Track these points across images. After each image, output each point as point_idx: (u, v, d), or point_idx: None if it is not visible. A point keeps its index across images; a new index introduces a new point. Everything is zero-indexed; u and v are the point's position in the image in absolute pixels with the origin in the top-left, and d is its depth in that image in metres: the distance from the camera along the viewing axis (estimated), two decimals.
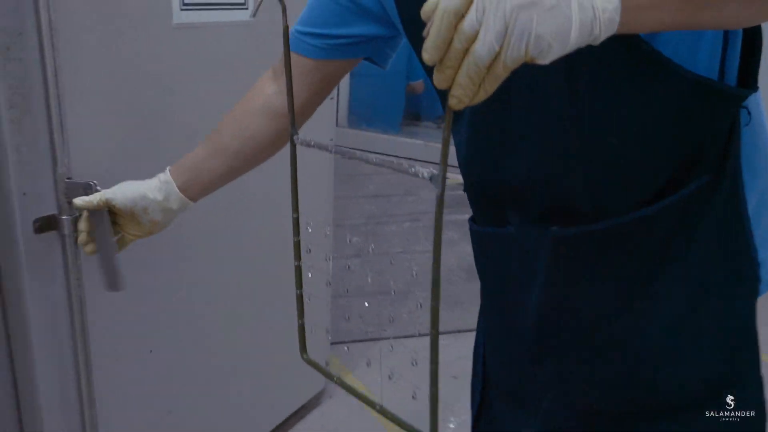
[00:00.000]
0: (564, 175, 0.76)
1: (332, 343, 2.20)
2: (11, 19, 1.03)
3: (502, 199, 0.85)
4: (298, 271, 0.79)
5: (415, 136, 4.99)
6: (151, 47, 1.24)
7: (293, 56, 0.83)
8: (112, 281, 0.98)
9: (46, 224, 1.13)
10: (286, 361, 1.44)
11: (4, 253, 1.14)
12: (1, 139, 1.05)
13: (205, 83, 1.34)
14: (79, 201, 0.98)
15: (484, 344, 1.00)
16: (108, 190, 0.98)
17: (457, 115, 0.79)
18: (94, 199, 0.97)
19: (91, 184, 1.09)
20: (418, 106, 5.09)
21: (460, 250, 2.98)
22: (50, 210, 1.13)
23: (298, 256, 0.79)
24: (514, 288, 0.87)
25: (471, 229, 0.94)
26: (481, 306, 1.00)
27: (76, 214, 1.11)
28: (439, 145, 0.54)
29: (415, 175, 0.58)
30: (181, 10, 1.27)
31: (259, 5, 0.73)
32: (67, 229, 1.14)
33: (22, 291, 1.14)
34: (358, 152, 0.66)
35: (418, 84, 4.80)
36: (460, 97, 0.50)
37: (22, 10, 1.03)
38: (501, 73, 0.50)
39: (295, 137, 0.74)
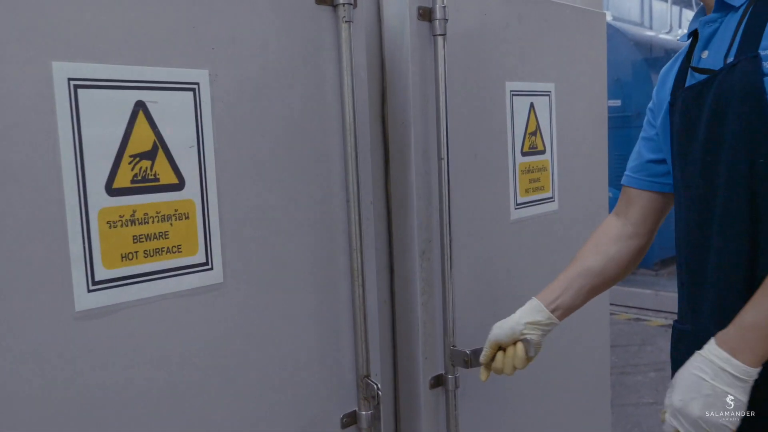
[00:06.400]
0: None
1: None
2: (425, 231, 1.38)
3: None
4: None
5: (634, 284, 5.06)
6: (493, 240, 1.54)
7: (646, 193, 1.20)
8: None
9: (436, 382, 1.41)
10: None
11: (407, 403, 1.44)
12: (415, 317, 1.39)
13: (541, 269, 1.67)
14: (481, 359, 1.22)
15: None
16: (490, 334, 1.20)
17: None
18: (487, 349, 1.20)
19: (468, 353, 1.35)
20: None
21: None
22: (439, 370, 1.41)
23: None
24: None
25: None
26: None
27: (457, 374, 1.40)
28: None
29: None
30: (515, 208, 1.57)
31: None
32: (450, 386, 1.40)
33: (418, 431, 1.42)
34: None
35: None
36: None
37: (431, 225, 1.39)
38: None
39: None
